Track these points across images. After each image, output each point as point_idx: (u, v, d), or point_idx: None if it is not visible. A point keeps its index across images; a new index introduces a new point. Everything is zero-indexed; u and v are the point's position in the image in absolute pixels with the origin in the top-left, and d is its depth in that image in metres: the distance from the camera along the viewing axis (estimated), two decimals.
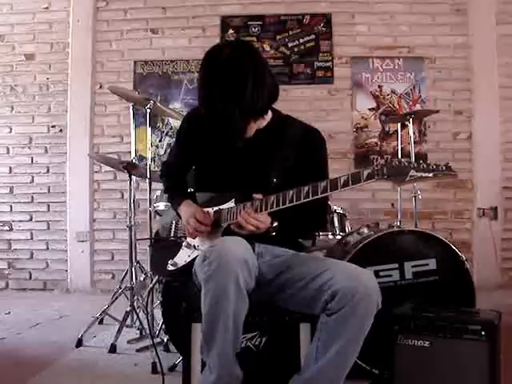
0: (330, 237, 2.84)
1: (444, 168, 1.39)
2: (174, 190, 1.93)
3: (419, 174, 1.38)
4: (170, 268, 1.76)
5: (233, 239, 1.51)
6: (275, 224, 1.63)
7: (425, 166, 1.39)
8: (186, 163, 1.91)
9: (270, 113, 1.81)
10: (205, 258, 1.46)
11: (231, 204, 1.70)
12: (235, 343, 1.47)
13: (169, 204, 2.02)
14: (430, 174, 1.39)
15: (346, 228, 2.94)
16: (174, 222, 1.88)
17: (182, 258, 1.75)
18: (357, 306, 1.43)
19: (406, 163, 1.40)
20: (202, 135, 1.81)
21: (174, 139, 2.03)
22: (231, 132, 1.65)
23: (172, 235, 1.86)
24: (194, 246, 1.74)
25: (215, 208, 1.74)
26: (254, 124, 1.72)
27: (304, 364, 1.55)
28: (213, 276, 1.41)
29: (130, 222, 2.93)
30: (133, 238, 2.94)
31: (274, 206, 1.57)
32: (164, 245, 1.87)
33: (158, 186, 2.88)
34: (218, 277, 1.40)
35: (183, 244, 1.78)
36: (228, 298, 1.40)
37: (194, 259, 1.68)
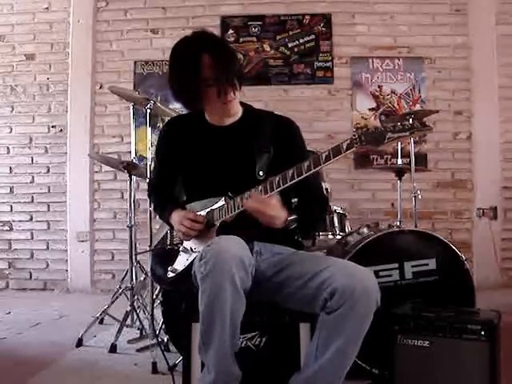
0: (330, 237, 2.84)
1: (419, 125, 1.44)
2: (163, 204, 1.92)
3: (396, 135, 1.44)
4: (170, 275, 1.76)
5: (229, 238, 1.51)
6: (293, 216, 1.64)
7: (400, 126, 1.44)
8: (170, 177, 1.92)
9: (240, 107, 1.84)
10: (201, 257, 1.46)
11: (221, 202, 1.71)
12: (233, 342, 1.47)
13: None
14: (407, 133, 1.44)
15: (346, 228, 2.94)
16: (168, 231, 1.88)
17: (181, 262, 1.75)
18: (356, 304, 1.43)
19: (382, 128, 1.46)
20: (181, 143, 1.84)
21: (154, 157, 2.05)
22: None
23: (168, 244, 1.86)
24: (191, 249, 1.74)
25: (207, 210, 1.74)
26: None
27: (304, 363, 1.56)
28: (209, 275, 1.42)
29: (130, 222, 2.93)
30: (133, 238, 2.94)
31: (268, 189, 1.58)
32: (162, 255, 1.87)
33: None
34: (213, 276, 1.41)
35: (180, 249, 1.78)
36: (224, 297, 1.40)
37: (193, 262, 1.68)
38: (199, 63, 1.66)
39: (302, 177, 1.53)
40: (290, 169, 1.55)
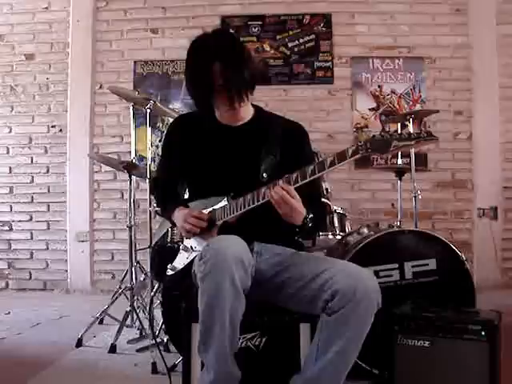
0: (330, 237, 2.84)
1: (425, 135, 1.45)
2: (166, 201, 1.92)
3: (402, 144, 1.45)
4: (170, 272, 1.76)
5: (229, 238, 1.51)
6: (311, 215, 1.63)
7: (406, 135, 1.45)
8: (175, 174, 1.92)
9: (251, 108, 1.84)
10: (201, 257, 1.46)
11: (224, 203, 1.71)
12: (232, 342, 1.47)
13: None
14: (412, 142, 1.45)
15: (346, 228, 2.94)
16: (169, 229, 1.88)
17: (181, 261, 1.75)
18: (357, 305, 1.43)
19: (389, 135, 1.46)
20: (187, 141, 1.83)
21: (160, 153, 2.04)
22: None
23: (169, 241, 1.86)
24: (192, 248, 1.74)
25: (209, 209, 1.74)
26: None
27: (304, 364, 1.56)
28: (208, 275, 1.42)
29: (130, 222, 2.93)
30: (133, 238, 2.94)
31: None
32: (162, 252, 1.87)
33: None
34: (213, 276, 1.41)
35: (180, 248, 1.78)
36: (224, 297, 1.40)
37: (193, 261, 1.68)
38: (209, 69, 1.65)
39: (306, 181, 1.53)
40: (294, 172, 1.55)
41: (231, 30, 3.50)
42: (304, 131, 1.86)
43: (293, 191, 1.54)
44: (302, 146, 1.84)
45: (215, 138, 1.81)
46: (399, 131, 1.49)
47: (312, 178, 1.53)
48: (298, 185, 1.55)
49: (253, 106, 1.86)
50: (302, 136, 1.85)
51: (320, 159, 1.55)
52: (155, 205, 2.91)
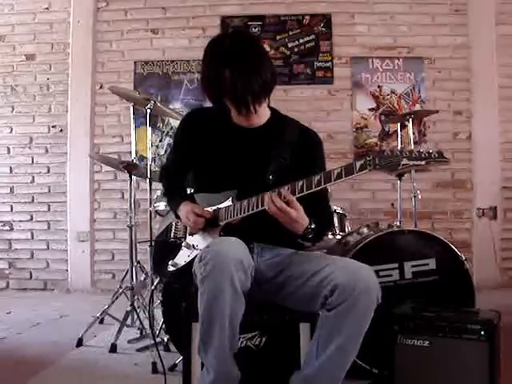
0: (330, 237, 2.84)
1: (436, 155, 1.40)
2: (173, 193, 1.93)
3: (411, 163, 1.40)
4: (171, 269, 1.76)
5: (229, 239, 1.51)
6: (313, 226, 1.61)
7: (417, 154, 1.40)
8: (183, 166, 1.92)
9: (268, 111, 1.83)
10: (201, 259, 1.47)
11: (228, 203, 1.71)
12: (232, 343, 1.48)
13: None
14: (423, 162, 1.40)
15: (346, 228, 2.95)
16: (173, 223, 1.88)
17: (182, 258, 1.76)
18: (357, 300, 1.43)
19: (398, 152, 1.42)
20: (200, 136, 1.83)
21: (172, 143, 2.04)
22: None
23: (172, 236, 1.86)
24: (193, 246, 1.75)
25: (213, 207, 1.74)
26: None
27: (304, 361, 1.56)
28: (208, 276, 1.42)
29: (131, 221, 2.94)
30: (133, 237, 2.95)
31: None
32: (164, 246, 1.88)
33: (159, 186, 2.88)
34: (213, 277, 1.41)
35: (183, 244, 1.78)
36: (223, 299, 1.41)
37: (194, 259, 1.68)
38: (219, 74, 1.65)
39: (311, 191, 1.51)
40: (300, 181, 1.53)
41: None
42: (319, 140, 1.84)
43: (294, 202, 1.52)
44: (315, 154, 1.81)
45: (228, 136, 1.80)
46: (409, 149, 1.43)
47: (317, 188, 1.51)
48: (302, 194, 1.52)
49: (270, 108, 1.84)
50: (317, 145, 1.83)
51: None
52: (155, 205, 2.94)
